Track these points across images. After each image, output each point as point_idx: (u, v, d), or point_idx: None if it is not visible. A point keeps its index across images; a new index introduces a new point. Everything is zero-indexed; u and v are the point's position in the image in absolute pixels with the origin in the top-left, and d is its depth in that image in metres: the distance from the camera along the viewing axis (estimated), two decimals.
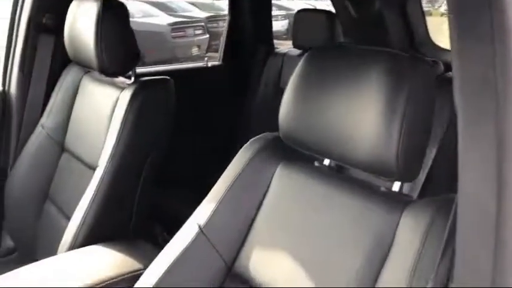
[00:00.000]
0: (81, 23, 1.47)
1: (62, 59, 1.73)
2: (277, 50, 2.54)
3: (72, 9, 1.54)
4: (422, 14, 2.01)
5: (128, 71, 1.51)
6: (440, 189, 0.94)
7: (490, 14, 0.55)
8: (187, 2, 8.55)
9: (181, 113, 1.55)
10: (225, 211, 1.03)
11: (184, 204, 1.22)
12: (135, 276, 1.09)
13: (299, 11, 2.28)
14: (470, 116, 0.61)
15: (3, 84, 1.85)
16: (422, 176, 1.40)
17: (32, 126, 1.73)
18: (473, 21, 0.58)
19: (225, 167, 1.08)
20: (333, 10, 2.06)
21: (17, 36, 1.80)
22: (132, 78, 1.51)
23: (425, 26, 2.02)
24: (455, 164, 0.63)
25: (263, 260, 0.98)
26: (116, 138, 1.40)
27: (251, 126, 2.39)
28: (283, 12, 8.95)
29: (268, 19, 2.64)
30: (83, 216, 1.36)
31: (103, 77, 1.57)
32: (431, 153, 1.40)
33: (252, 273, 0.99)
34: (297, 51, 2.36)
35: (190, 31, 7.23)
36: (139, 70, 1.75)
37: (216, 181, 1.08)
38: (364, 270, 0.84)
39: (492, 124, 0.57)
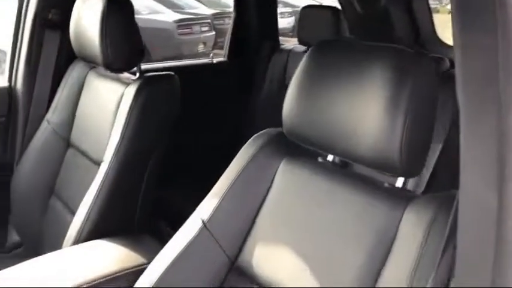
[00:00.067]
0: (87, 19, 1.47)
1: (68, 55, 1.74)
2: (282, 46, 2.53)
3: (77, 5, 1.55)
4: (429, 11, 2.00)
5: (133, 67, 1.51)
6: (445, 186, 0.93)
7: (493, 8, 0.55)
8: None
9: (186, 109, 1.55)
10: (229, 206, 1.04)
11: (188, 200, 1.23)
12: (139, 270, 1.09)
13: (304, 7, 2.27)
14: (472, 112, 0.60)
15: (10, 80, 1.86)
16: (427, 173, 1.39)
17: (37, 122, 1.74)
18: (476, 15, 0.57)
19: (230, 163, 1.09)
20: (339, 6, 2.05)
21: (23, 32, 1.81)
22: (137, 74, 1.52)
23: (432, 23, 2.00)
24: (458, 161, 0.63)
25: (266, 255, 0.99)
26: (121, 134, 1.40)
27: (256, 122, 2.38)
28: (289, 10, 8.90)
29: (273, 16, 2.63)
30: (87, 211, 1.37)
31: (108, 73, 1.57)
32: (436, 150, 1.39)
33: (255, 268, 0.99)
34: (302, 48, 2.35)
35: (196, 28, 7.20)
36: (145, 66, 1.75)
37: (220, 177, 1.08)
38: (367, 265, 0.84)
39: (494, 120, 0.57)
